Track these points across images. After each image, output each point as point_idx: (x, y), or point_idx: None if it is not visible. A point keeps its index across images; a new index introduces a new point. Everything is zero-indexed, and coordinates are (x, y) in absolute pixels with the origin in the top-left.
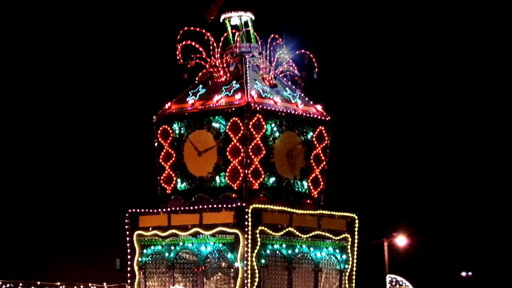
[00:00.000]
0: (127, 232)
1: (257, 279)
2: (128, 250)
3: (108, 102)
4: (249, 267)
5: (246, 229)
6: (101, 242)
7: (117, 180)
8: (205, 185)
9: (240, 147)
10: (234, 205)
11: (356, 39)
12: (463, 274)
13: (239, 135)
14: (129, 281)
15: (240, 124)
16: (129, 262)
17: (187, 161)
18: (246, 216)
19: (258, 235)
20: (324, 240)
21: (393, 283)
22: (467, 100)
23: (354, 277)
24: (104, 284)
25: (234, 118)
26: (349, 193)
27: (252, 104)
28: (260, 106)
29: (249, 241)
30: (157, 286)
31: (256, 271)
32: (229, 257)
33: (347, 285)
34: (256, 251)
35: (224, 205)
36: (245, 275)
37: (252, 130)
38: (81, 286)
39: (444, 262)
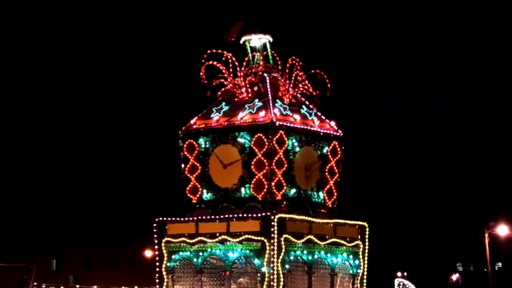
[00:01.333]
0: (156, 239)
1: (282, 283)
2: (156, 256)
3: (136, 118)
4: (275, 272)
5: (272, 237)
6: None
7: (143, 189)
8: (230, 195)
9: (265, 160)
10: (260, 214)
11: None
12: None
13: (264, 150)
14: (157, 285)
15: (265, 139)
16: (157, 266)
17: (212, 173)
18: (272, 225)
19: (282, 242)
20: (339, 246)
21: (401, 286)
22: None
23: (365, 281)
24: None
25: (258, 134)
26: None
27: (276, 122)
28: (283, 123)
29: (275, 248)
30: None
31: (281, 275)
32: (255, 262)
33: None
34: (281, 257)
35: (251, 215)
36: (271, 279)
37: (275, 145)
38: None
39: None
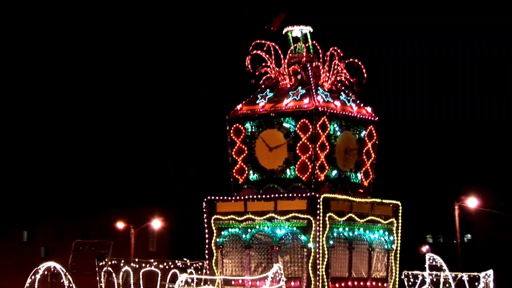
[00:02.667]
0: (205, 217)
1: (326, 258)
2: (206, 233)
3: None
4: (320, 248)
5: (318, 215)
6: None
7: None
8: (276, 176)
9: (309, 144)
10: (306, 194)
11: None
12: None
13: (308, 134)
14: (207, 258)
15: (309, 125)
16: (207, 241)
17: (258, 156)
18: (318, 204)
19: (327, 220)
20: (376, 224)
21: (431, 260)
22: None
23: (398, 255)
24: (187, 260)
25: (303, 120)
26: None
27: (320, 108)
28: (325, 110)
29: (320, 225)
30: (233, 263)
31: (326, 251)
32: (302, 239)
33: (392, 262)
34: (325, 234)
35: (298, 194)
36: (317, 254)
37: (319, 130)
38: (177, 262)
39: None
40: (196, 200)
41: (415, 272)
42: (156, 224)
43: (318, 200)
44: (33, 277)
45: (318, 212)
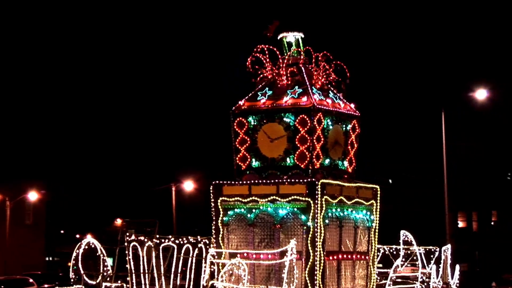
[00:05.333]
0: (212, 198)
1: (323, 235)
2: (212, 212)
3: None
4: (318, 226)
5: (316, 198)
6: None
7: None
8: (276, 164)
9: (307, 136)
10: (306, 180)
11: None
12: None
13: (306, 128)
14: (214, 235)
15: (307, 119)
16: (213, 220)
17: (260, 146)
18: (317, 188)
19: (323, 202)
20: (360, 205)
21: (403, 237)
22: None
23: (377, 232)
24: (198, 237)
25: (302, 115)
26: None
27: (316, 105)
28: (321, 107)
29: (318, 206)
30: (238, 239)
31: (322, 228)
32: (302, 218)
33: (372, 239)
34: (322, 214)
35: (298, 180)
36: (315, 231)
37: (315, 124)
38: (190, 238)
39: None
40: (70, 172)
41: (393, 246)
42: (33, 196)
43: (317, 185)
44: (77, 251)
45: (316, 195)
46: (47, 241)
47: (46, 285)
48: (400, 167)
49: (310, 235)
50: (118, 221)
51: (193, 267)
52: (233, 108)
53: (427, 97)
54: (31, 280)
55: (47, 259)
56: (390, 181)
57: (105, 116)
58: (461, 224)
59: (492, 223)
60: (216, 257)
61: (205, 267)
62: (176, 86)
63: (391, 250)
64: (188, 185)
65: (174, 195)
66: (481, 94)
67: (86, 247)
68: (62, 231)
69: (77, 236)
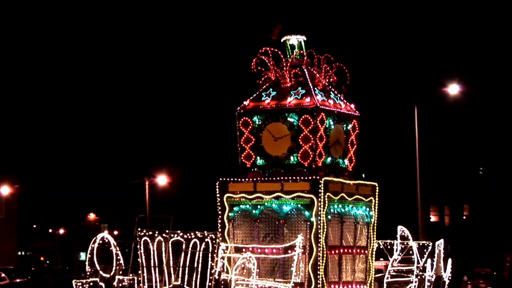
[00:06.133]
0: (218, 194)
1: (325, 230)
2: (218, 208)
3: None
4: (321, 222)
5: (319, 194)
6: None
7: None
8: (280, 162)
9: (310, 136)
10: (310, 177)
11: None
12: None
13: (309, 127)
14: (219, 230)
15: (311, 120)
16: (219, 215)
17: (264, 145)
18: (320, 186)
19: (326, 199)
20: (360, 201)
21: (400, 232)
22: None
23: (375, 227)
24: (205, 232)
25: (305, 115)
26: None
27: (319, 106)
28: (324, 107)
29: (321, 203)
30: (244, 234)
31: (325, 224)
32: (306, 214)
33: (371, 233)
34: (325, 210)
35: (302, 177)
36: (318, 227)
37: (318, 124)
38: (197, 233)
39: None
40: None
41: (388, 241)
42: (5, 190)
43: (320, 182)
44: (92, 245)
45: (319, 192)
46: (19, 235)
47: (18, 280)
48: (373, 161)
49: (313, 231)
50: (91, 216)
51: (200, 261)
52: (238, 108)
53: (400, 92)
54: (3, 275)
55: (19, 253)
56: (364, 175)
57: (79, 111)
58: (433, 218)
59: (464, 217)
60: (226, 251)
61: (213, 260)
62: (162, 82)
63: (386, 245)
64: (162, 179)
65: (148, 189)
66: (453, 89)
67: (101, 241)
68: (34, 226)
69: (50, 230)
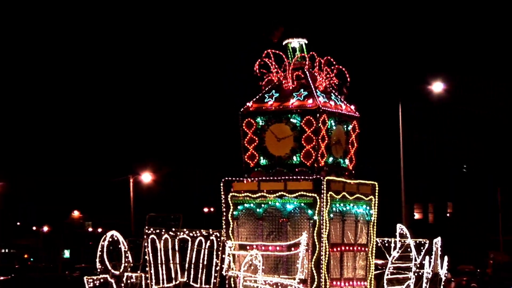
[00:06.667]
0: (222, 194)
1: (328, 228)
2: (223, 207)
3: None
4: (323, 220)
5: (322, 193)
6: None
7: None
8: (283, 162)
9: (313, 136)
10: (313, 177)
11: None
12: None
13: (312, 128)
14: (224, 228)
15: (313, 121)
16: (224, 214)
17: (268, 145)
18: (322, 185)
19: (329, 198)
20: (360, 200)
21: (400, 230)
22: None
23: (375, 226)
24: (210, 230)
25: (308, 117)
26: None
27: (321, 107)
28: (325, 109)
29: (324, 201)
30: (248, 232)
31: (328, 222)
32: (309, 212)
33: (371, 232)
34: (327, 208)
35: (305, 177)
36: (321, 225)
37: (320, 125)
38: (203, 231)
39: None
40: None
41: (385, 239)
42: None
43: (323, 182)
44: (102, 243)
45: (322, 191)
46: (3, 233)
47: (1, 277)
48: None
49: (316, 229)
50: (76, 213)
51: (206, 258)
52: (242, 109)
53: (384, 89)
54: None
55: (3, 251)
56: (347, 173)
57: (63, 108)
58: (417, 215)
59: (448, 214)
60: (232, 248)
61: (217, 257)
62: (161, 82)
63: (383, 242)
64: (146, 177)
65: (132, 186)
66: (437, 87)
67: (110, 239)
68: (18, 223)
69: (34, 228)
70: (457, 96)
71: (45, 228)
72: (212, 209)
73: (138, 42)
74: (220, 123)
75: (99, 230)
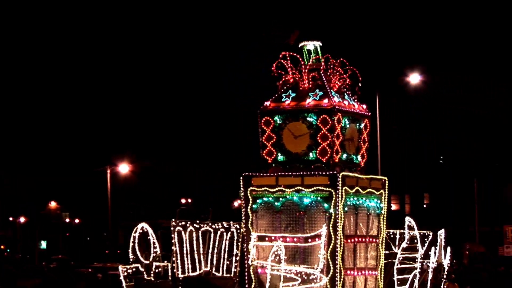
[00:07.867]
0: (242, 188)
1: (342, 221)
2: (242, 200)
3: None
4: (339, 213)
5: (337, 188)
6: None
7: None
8: (300, 158)
9: (328, 134)
10: (329, 172)
11: None
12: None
13: (327, 126)
14: (243, 220)
15: (328, 119)
16: (243, 207)
17: (285, 142)
18: (338, 180)
19: (343, 192)
20: (372, 194)
21: (408, 222)
22: None
23: (385, 218)
24: (231, 222)
25: (323, 115)
26: None
27: (336, 107)
28: (340, 108)
29: (339, 196)
30: (266, 224)
31: (343, 215)
32: (325, 206)
33: (381, 224)
34: (342, 202)
35: (321, 172)
36: (336, 218)
37: (335, 123)
38: (224, 223)
39: None
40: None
41: (396, 231)
42: None
43: (338, 177)
44: (134, 234)
45: (338, 186)
46: None
47: None
48: None
49: (332, 221)
50: (53, 204)
51: (227, 249)
52: (261, 108)
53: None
54: None
55: None
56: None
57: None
58: (394, 206)
59: (425, 205)
60: (256, 239)
61: (237, 248)
62: (161, 81)
63: (389, 234)
64: (123, 168)
65: (109, 177)
66: (414, 78)
67: (141, 231)
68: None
69: (10, 219)
70: (457, 96)
71: (22, 219)
72: (189, 200)
73: (137, 41)
74: (220, 123)
75: (76, 221)
